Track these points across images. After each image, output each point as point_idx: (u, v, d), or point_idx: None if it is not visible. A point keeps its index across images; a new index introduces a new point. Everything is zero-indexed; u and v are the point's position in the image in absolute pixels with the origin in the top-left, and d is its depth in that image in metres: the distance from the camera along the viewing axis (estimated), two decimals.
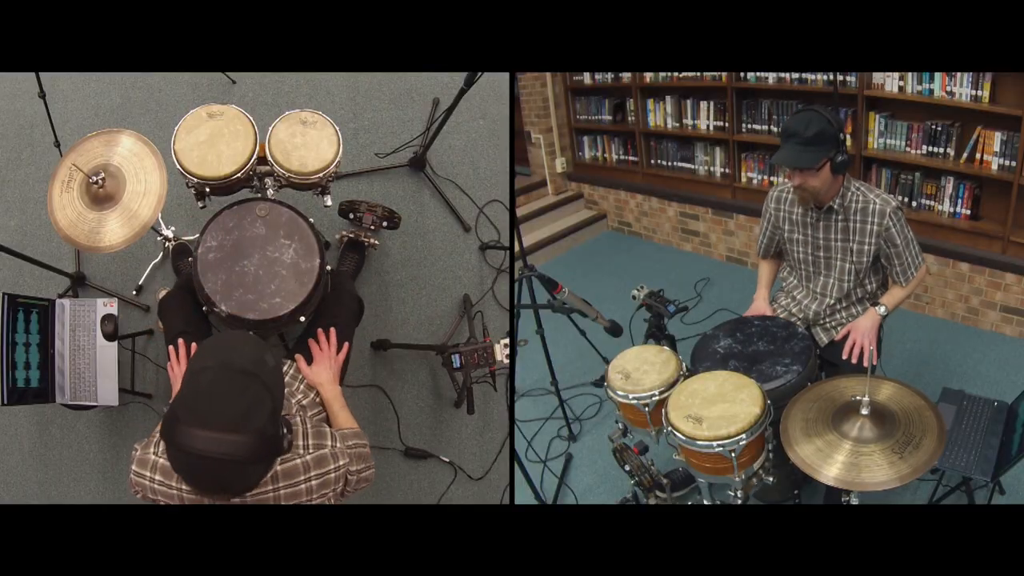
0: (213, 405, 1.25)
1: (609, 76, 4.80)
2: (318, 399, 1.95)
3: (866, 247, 2.18)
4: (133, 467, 1.52)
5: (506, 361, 2.22)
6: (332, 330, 2.05)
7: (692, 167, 4.57)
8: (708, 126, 4.33)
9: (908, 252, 2.18)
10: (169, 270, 2.80)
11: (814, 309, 2.34)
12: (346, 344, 2.09)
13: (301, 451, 1.50)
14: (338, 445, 1.55)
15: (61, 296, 2.70)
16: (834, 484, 1.61)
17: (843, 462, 1.62)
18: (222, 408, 1.24)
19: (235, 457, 1.24)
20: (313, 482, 1.50)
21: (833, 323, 2.35)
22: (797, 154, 2.05)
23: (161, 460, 1.48)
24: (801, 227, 2.29)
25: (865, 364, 2.14)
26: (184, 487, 1.46)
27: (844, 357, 2.21)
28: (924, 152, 3.34)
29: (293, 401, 1.89)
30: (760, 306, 2.44)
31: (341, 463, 1.54)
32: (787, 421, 1.78)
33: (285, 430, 1.38)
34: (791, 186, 2.19)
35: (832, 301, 2.31)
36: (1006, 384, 2.91)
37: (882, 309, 2.24)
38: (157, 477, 1.48)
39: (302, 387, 1.96)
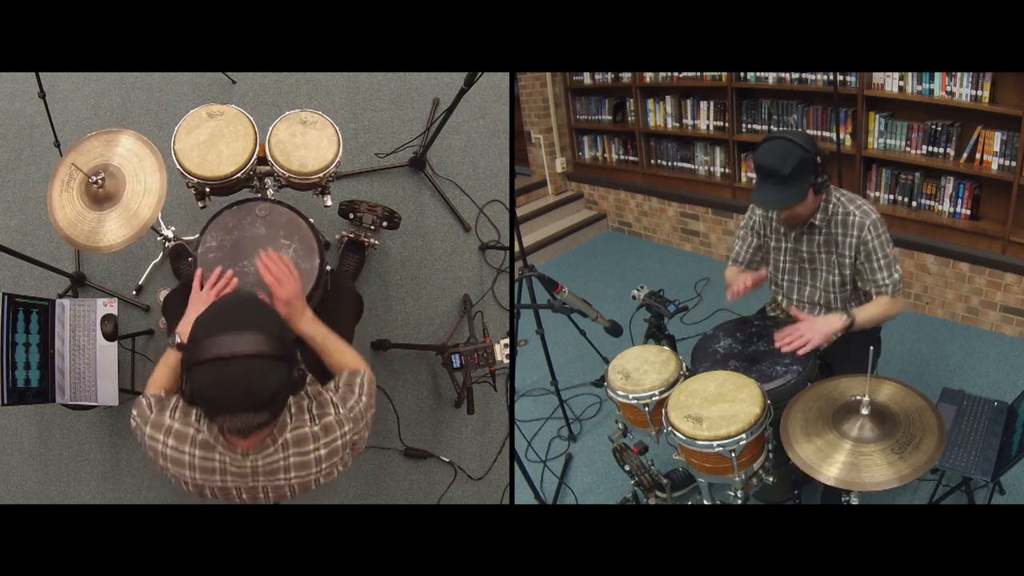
0: (230, 317, 1.38)
1: (609, 76, 4.80)
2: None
3: (847, 260, 2.12)
4: (147, 429, 1.53)
5: (506, 361, 2.22)
6: (270, 252, 1.82)
7: (692, 167, 4.57)
8: (708, 126, 4.33)
9: (882, 271, 2.09)
10: (169, 270, 2.79)
11: None
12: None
13: (308, 422, 1.54)
14: (341, 411, 1.59)
15: (61, 296, 2.70)
16: (834, 484, 1.61)
17: (843, 462, 1.62)
18: (238, 318, 1.37)
19: (257, 350, 1.33)
20: (322, 451, 1.54)
21: None
22: (778, 194, 1.98)
23: (176, 425, 1.51)
24: (785, 238, 2.26)
25: (787, 347, 2.06)
26: (196, 452, 1.49)
27: (776, 343, 2.11)
28: (924, 152, 3.34)
29: None
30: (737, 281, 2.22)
31: (347, 428, 1.58)
32: (787, 421, 1.77)
33: (301, 365, 1.47)
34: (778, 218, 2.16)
35: (818, 313, 2.27)
36: (1006, 384, 2.90)
37: (847, 316, 2.09)
38: (170, 442, 1.51)
39: None
